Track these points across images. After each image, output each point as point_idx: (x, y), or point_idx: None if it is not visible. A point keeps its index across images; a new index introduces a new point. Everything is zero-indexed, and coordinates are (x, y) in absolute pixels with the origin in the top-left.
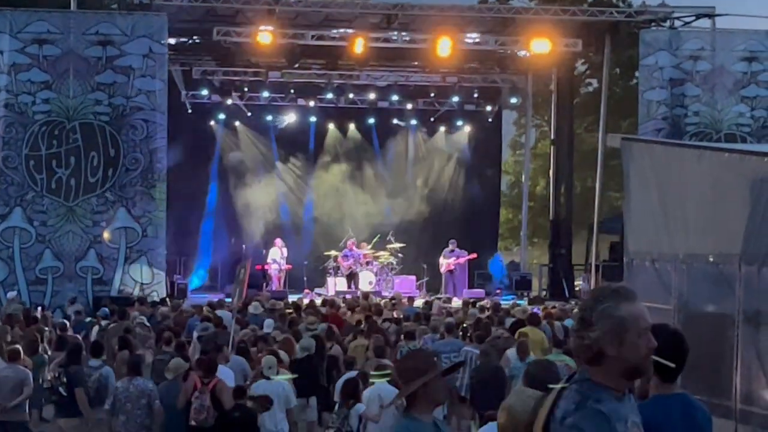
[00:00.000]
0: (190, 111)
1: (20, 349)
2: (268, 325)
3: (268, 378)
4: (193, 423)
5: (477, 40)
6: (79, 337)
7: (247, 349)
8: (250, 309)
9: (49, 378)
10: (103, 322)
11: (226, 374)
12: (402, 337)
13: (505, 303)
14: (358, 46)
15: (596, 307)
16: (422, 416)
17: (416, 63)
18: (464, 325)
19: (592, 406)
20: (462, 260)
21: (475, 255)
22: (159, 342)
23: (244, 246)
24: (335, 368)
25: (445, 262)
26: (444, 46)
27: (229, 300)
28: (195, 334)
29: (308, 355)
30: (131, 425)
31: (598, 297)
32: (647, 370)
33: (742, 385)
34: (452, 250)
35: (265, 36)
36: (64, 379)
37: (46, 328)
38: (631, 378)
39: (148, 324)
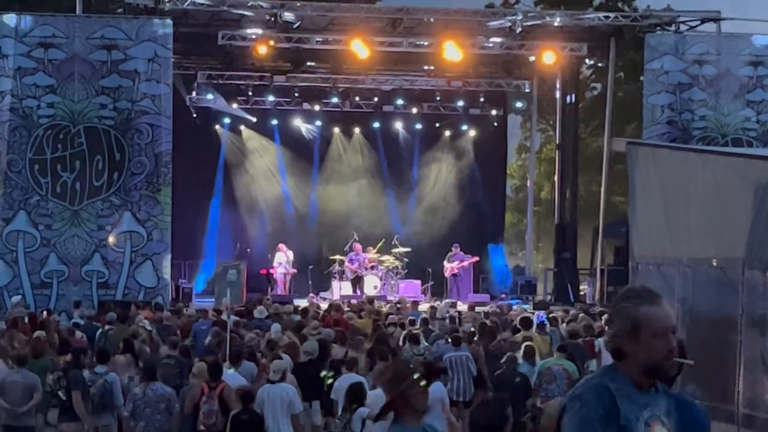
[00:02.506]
0: (195, 115)
1: (27, 354)
2: (276, 330)
3: (272, 382)
4: (202, 428)
5: (482, 44)
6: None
7: (254, 354)
8: (255, 313)
9: (49, 382)
10: (105, 327)
11: (237, 379)
12: (406, 341)
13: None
14: (357, 46)
15: (616, 306)
16: (410, 423)
17: (421, 67)
18: (470, 328)
19: (598, 381)
20: (466, 263)
21: (476, 258)
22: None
23: (248, 250)
24: (340, 373)
25: (449, 266)
26: (449, 51)
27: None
28: (207, 339)
29: (311, 359)
30: (150, 430)
31: (620, 297)
32: (667, 371)
33: (745, 389)
34: (455, 254)
35: (263, 48)
36: (64, 383)
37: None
38: (651, 376)
39: (149, 328)
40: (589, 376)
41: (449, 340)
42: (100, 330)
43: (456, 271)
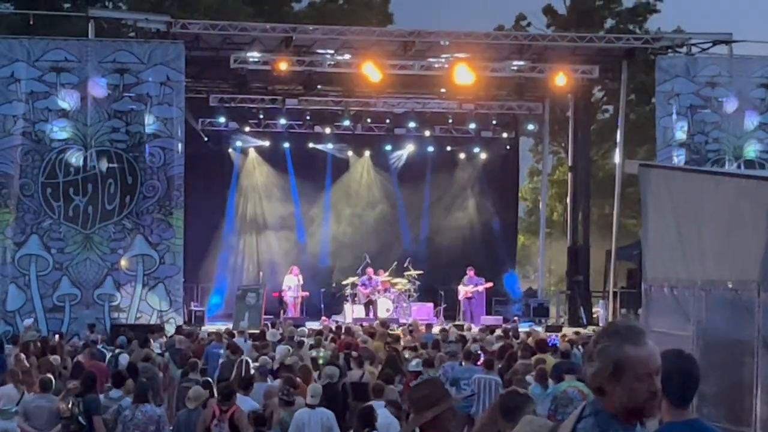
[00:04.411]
0: (206, 139)
1: (52, 378)
2: (280, 351)
3: (311, 406)
4: None
5: (493, 67)
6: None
7: (266, 376)
8: (268, 336)
9: (63, 407)
10: (116, 351)
11: (248, 403)
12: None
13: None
14: (369, 69)
15: (599, 343)
16: None
17: (433, 90)
18: (477, 351)
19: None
20: (480, 288)
21: (491, 284)
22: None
23: (260, 273)
24: (352, 395)
25: (463, 290)
26: (461, 74)
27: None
28: (220, 362)
29: (330, 383)
30: None
31: (603, 333)
32: (649, 413)
33: (763, 412)
34: (470, 278)
35: (284, 64)
36: (82, 408)
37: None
38: (631, 417)
39: (158, 351)
40: (583, 424)
41: (462, 363)
42: (110, 354)
43: (470, 294)
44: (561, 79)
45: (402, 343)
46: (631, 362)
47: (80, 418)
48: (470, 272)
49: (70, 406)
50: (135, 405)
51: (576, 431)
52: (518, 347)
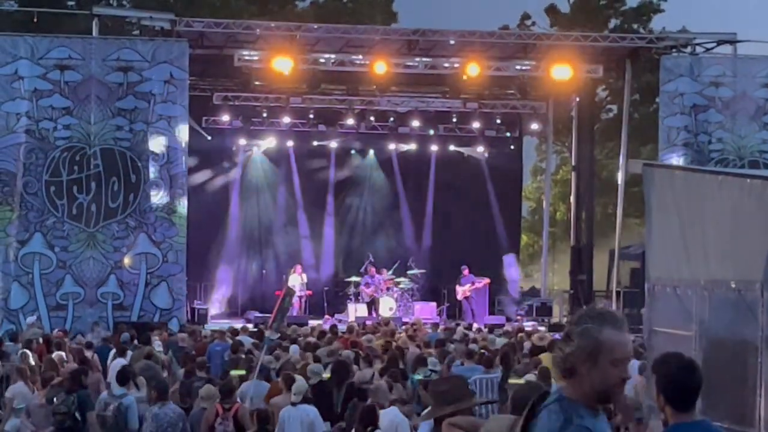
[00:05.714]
0: (210, 137)
1: (54, 376)
2: (294, 350)
3: (293, 404)
4: None
5: (498, 66)
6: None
7: (269, 375)
8: (267, 334)
9: (58, 401)
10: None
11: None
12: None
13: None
14: (380, 67)
15: (579, 325)
16: None
17: (437, 89)
18: (482, 351)
19: (578, 423)
20: (479, 285)
21: (488, 280)
22: (186, 367)
23: (264, 272)
24: (356, 395)
25: (461, 290)
26: (465, 72)
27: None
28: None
29: (320, 381)
30: None
31: (585, 315)
32: (616, 398)
33: (767, 412)
34: (465, 277)
35: (284, 62)
36: (76, 404)
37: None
38: (599, 401)
39: (159, 350)
40: (549, 413)
41: (463, 363)
42: (113, 351)
43: (468, 294)
44: (566, 72)
45: (401, 342)
46: (610, 345)
47: (76, 414)
48: (465, 271)
49: (62, 401)
50: (161, 403)
51: (538, 415)
52: (516, 346)
